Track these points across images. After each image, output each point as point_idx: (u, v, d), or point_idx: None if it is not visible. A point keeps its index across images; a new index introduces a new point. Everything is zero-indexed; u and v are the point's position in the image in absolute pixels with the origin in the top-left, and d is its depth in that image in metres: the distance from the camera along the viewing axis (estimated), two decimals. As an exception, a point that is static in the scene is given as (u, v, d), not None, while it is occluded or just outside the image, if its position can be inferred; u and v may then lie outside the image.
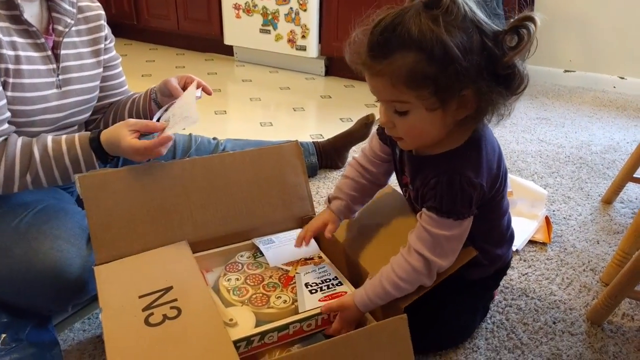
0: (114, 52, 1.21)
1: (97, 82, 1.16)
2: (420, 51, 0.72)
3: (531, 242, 1.39)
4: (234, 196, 1.05)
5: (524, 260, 1.32)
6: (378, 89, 0.80)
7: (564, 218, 1.52)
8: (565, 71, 2.77)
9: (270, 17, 2.77)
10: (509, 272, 1.24)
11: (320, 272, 1.00)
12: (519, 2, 2.35)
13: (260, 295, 0.94)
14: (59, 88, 1.05)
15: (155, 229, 0.97)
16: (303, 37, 2.71)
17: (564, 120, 2.28)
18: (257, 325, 0.87)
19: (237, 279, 0.98)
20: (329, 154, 1.74)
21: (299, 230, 1.09)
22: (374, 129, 1.03)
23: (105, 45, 1.17)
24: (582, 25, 2.65)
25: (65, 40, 1.06)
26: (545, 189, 1.64)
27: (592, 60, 2.70)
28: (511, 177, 1.58)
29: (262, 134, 2.11)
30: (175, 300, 0.82)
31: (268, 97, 2.55)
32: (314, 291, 0.95)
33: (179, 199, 1.00)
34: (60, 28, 1.05)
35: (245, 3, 2.81)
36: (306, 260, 1.03)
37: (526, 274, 1.27)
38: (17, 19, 0.96)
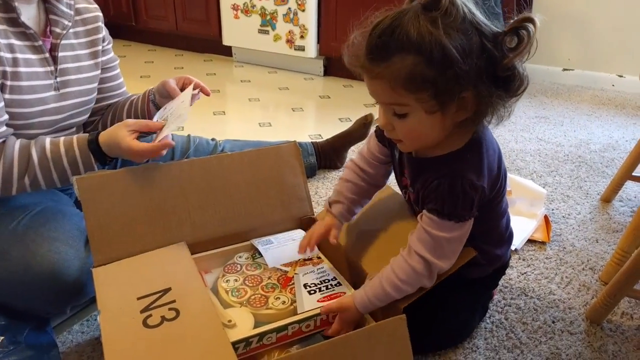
0: (111, 54, 1.21)
1: (95, 84, 1.16)
2: (419, 54, 0.72)
3: (530, 241, 1.39)
4: (232, 197, 1.05)
5: (523, 260, 1.32)
6: (377, 91, 0.79)
7: (563, 217, 1.52)
8: (564, 70, 2.77)
9: (268, 17, 2.77)
10: (508, 271, 1.24)
11: (319, 273, 1.00)
12: (518, 1, 2.35)
13: (259, 296, 0.94)
14: (57, 90, 1.05)
15: (154, 231, 0.97)
16: (301, 37, 2.71)
17: (562, 118, 2.28)
18: (255, 327, 0.87)
19: (236, 280, 0.98)
20: (327, 154, 1.74)
21: (297, 231, 1.10)
22: (372, 129, 1.02)
23: (103, 47, 1.17)
24: (580, 24, 2.65)
25: (63, 42, 1.05)
26: (544, 187, 1.64)
27: (590, 58, 2.70)
28: (510, 176, 1.57)
29: (261, 134, 2.11)
30: (174, 301, 0.82)
31: (267, 97, 2.55)
32: (312, 292, 0.95)
33: (177, 200, 1.00)
34: (57, 30, 1.05)
35: (244, 3, 2.81)
36: (305, 261, 1.03)
37: (525, 273, 1.27)
38: (14, 22, 0.96)
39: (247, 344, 0.83)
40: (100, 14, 1.16)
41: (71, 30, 1.08)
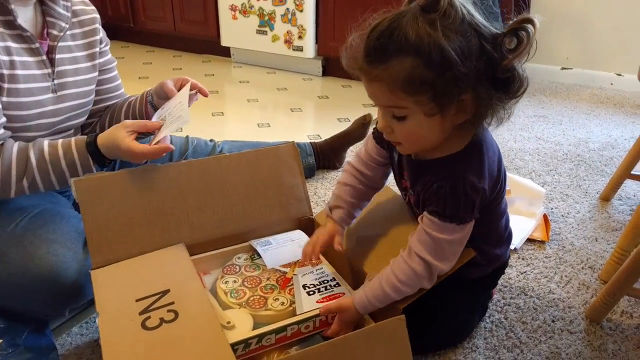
0: (109, 56, 1.21)
1: (93, 86, 1.15)
2: (418, 56, 0.71)
3: (529, 241, 1.39)
4: (230, 198, 1.05)
5: (523, 259, 1.32)
6: (375, 94, 0.78)
7: (562, 216, 1.51)
8: (563, 68, 2.77)
9: (266, 18, 2.77)
10: (508, 270, 1.24)
11: (318, 274, 1.00)
12: (516, 1, 2.34)
13: (258, 297, 0.94)
14: (55, 92, 1.05)
15: (152, 232, 0.97)
16: (300, 37, 2.71)
17: (561, 117, 2.28)
18: (254, 328, 0.87)
19: (235, 281, 0.97)
20: (326, 155, 1.74)
21: (296, 232, 1.10)
22: (370, 130, 1.02)
23: (100, 48, 1.16)
24: (579, 23, 2.65)
25: (60, 44, 1.05)
26: (543, 186, 1.64)
27: (589, 57, 2.70)
28: (509, 176, 1.57)
29: (260, 135, 2.10)
30: (172, 303, 0.82)
31: (265, 98, 2.55)
32: (311, 293, 0.95)
33: (176, 201, 1.00)
34: (54, 32, 1.04)
35: (242, 4, 2.80)
36: (304, 262, 1.03)
37: (525, 272, 1.27)
38: (11, 24, 0.96)
39: (246, 346, 0.83)
40: (97, 15, 1.16)
41: (68, 32, 1.08)
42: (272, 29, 2.78)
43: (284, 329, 0.87)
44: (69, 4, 1.08)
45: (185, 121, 0.98)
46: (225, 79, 2.85)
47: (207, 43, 3.13)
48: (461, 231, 0.85)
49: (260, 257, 1.02)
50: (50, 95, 1.04)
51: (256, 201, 1.07)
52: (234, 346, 0.81)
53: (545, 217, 1.47)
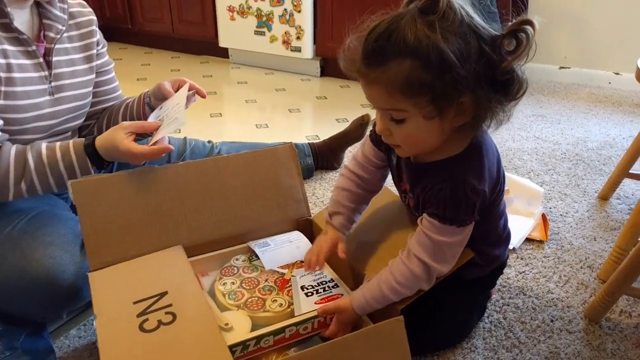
0: (106, 57, 1.21)
1: (90, 88, 1.15)
2: (416, 59, 0.70)
3: (528, 240, 1.39)
4: (228, 199, 1.05)
5: (521, 259, 1.32)
6: (374, 97, 0.78)
7: (561, 215, 1.51)
8: (561, 68, 2.77)
9: (264, 18, 2.77)
10: (506, 270, 1.24)
11: (316, 275, 0.99)
12: (514, 0, 2.34)
13: (256, 299, 0.94)
14: (52, 95, 1.05)
15: (150, 234, 0.96)
16: (298, 38, 2.71)
17: (559, 117, 2.28)
18: (253, 329, 0.87)
19: (233, 283, 0.97)
20: (324, 155, 1.74)
21: (294, 233, 1.09)
22: (368, 131, 1.01)
23: (97, 50, 1.16)
24: (576, 22, 2.65)
25: (57, 46, 1.05)
26: (541, 186, 1.64)
27: (587, 56, 2.70)
28: (507, 175, 1.57)
29: (258, 136, 2.10)
30: (170, 305, 0.82)
31: (264, 98, 2.55)
32: (310, 294, 0.95)
33: (173, 203, 1.00)
34: (51, 35, 1.04)
35: (240, 5, 2.80)
36: (302, 263, 1.03)
37: (523, 272, 1.27)
38: (7, 27, 0.96)
39: (245, 347, 0.83)
40: (94, 17, 1.16)
41: (65, 35, 1.08)
42: (270, 29, 2.78)
43: (282, 330, 0.86)
44: (65, 6, 1.08)
45: (182, 123, 0.98)
46: (223, 79, 2.85)
47: (205, 44, 3.13)
48: (461, 233, 0.85)
49: (259, 258, 1.02)
50: (48, 97, 1.04)
51: (254, 202, 1.07)
52: (232, 348, 0.80)
53: (543, 216, 1.47)
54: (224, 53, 3.10)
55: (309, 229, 1.12)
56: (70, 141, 0.99)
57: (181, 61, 3.14)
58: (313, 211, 1.33)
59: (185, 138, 1.41)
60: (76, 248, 0.96)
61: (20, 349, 0.94)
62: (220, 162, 1.07)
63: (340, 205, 1.00)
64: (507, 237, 1.03)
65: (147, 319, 0.79)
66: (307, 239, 1.08)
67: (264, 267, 1.01)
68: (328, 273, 1.00)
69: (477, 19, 0.74)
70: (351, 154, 1.78)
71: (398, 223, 1.04)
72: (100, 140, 0.98)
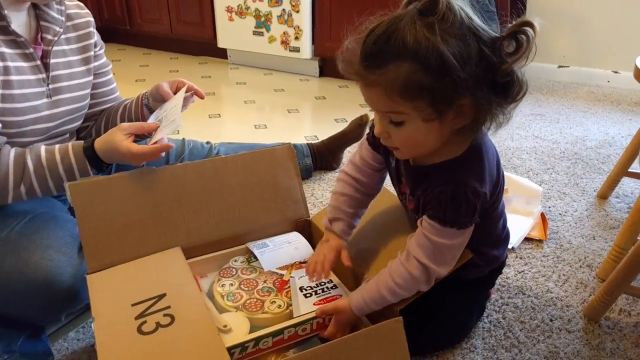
0: (104, 59, 1.21)
1: (88, 90, 1.15)
2: (416, 61, 0.69)
3: (527, 240, 1.39)
4: (227, 201, 1.05)
5: (520, 258, 1.32)
6: (372, 99, 0.77)
7: (560, 214, 1.51)
8: (559, 67, 2.77)
9: (263, 19, 2.77)
10: (505, 270, 1.24)
11: (315, 276, 0.99)
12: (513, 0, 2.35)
13: (255, 300, 0.94)
14: (50, 97, 1.04)
15: (148, 236, 0.96)
16: (296, 38, 2.71)
17: (558, 116, 2.28)
18: (251, 331, 0.87)
19: (232, 285, 0.97)
20: (323, 156, 1.74)
21: (293, 234, 1.09)
22: (366, 134, 1.00)
23: (95, 52, 1.16)
24: (575, 21, 2.65)
25: (55, 48, 1.05)
26: (540, 185, 1.64)
27: (585, 55, 2.69)
28: (506, 174, 1.57)
29: (257, 136, 2.10)
30: (169, 307, 0.82)
31: (262, 99, 2.55)
32: (308, 295, 0.95)
33: (172, 204, 1.00)
34: (49, 37, 1.04)
35: (238, 5, 2.80)
36: (301, 264, 1.03)
37: (522, 271, 1.27)
38: (4, 30, 0.96)
39: (243, 349, 0.83)
40: (91, 19, 1.16)
41: (63, 37, 1.07)
42: (268, 30, 2.78)
43: (281, 331, 0.86)
44: (63, 7, 1.07)
45: (178, 126, 0.98)
46: (222, 80, 2.85)
47: (204, 45, 3.13)
48: (461, 236, 0.85)
49: (257, 259, 1.02)
50: (45, 100, 1.03)
51: (252, 203, 1.07)
52: (230, 350, 0.80)
53: (542, 215, 1.47)
54: (222, 54, 3.10)
55: (308, 230, 1.12)
56: (69, 144, 0.99)
57: (180, 62, 3.14)
58: (312, 212, 1.33)
59: (183, 139, 1.41)
60: (74, 250, 0.96)
61: (19, 352, 0.94)
62: (219, 163, 1.07)
63: (339, 211, 0.99)
64: (506, 237, 1.03)
65: (145, 321, 0.79)
66: (305, 240, 1.08)
67: (262, 268, 1.01)
68: (327, 274, 1.00)
69: (477, 20, 0.73)
70: (350, 154, 1.79)
71: (398, 226, 1.03)
72: (99, 142, 0.98)
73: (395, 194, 1.03)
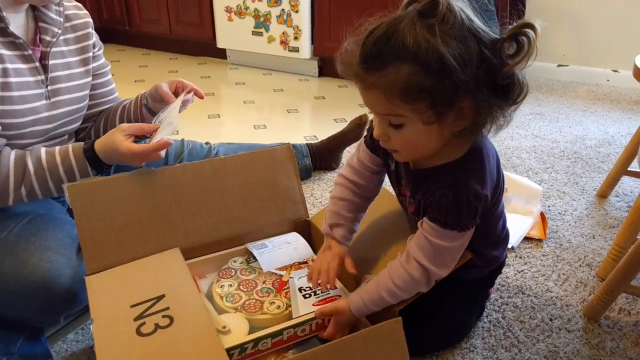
0: (102, 60, 1.21)
1: (87, 91, 1.15)
2: (416, 63, 0.69)
3: (527, 239, 1.39)
4: (226, 201, 1.05)
5: (520, 257, 1.32)
6: (372, 102, 0.76)
7: (559, 213, 1.51)
8: (559, 66, 2.77)
9: (262, 19, 2.77)
10: (505, 269, 1.24)
11: (314, 276, 0.99)
12: (511, -1, 2.34)
13: (254, 301, 0.93)
14: (48, 99, 1.04)
15: (147, 237, 0.96)
16: (295, 38, 2.70)
17: (558, 115, 2.28)
18: (250, 332, 0.87)
19: (231, 285, 0.97)
20: (322, 156, 1.74)
21: (292, 234, 1.09)
22: (363, 136, 1.00)
23: (93, 53, 1.16)
24: (574, 20, 2.65)
25: (53, 50, 1.05)
26: (540, 184, 1.64)
27: (585, 54, 2.69)
28: (506, 174, 1.57)
29: (256, 136, 2.10)
30: (167, 308, 0.82)
31: (262, 99, 2.54)
32: (307, 296, 0.94)
33: (170, 205, 1.00)
34: (47, 38, 1.04)
35: (237, 6, 2.80)
36: (300, 264, 1.03)
37: (522, 271, 1.27)
38: (2, 32, 0.95)
39: (242, 350, 0.83)
40: (90, 19, 1.16)
41: (61, 38, 1.07)
42: (267, 30, 2.78)
43: (280, 332, 0.86)
44: (61, 8, 1.07)
45: (175, 128, 0.98)
46: (221, 80, 2.85)
47: (203, 45, 3.13)
48: (462, 238, 0.84)
49: (256, 260, 1.02)
50: (44, 102, 1.03)
51: (252, 203, 1.07)
52: (229, 351, 0.80)
53: (542, 215, 1.47)
54: (221, 54, 3.10)
55: (307, 230, 1.12)
56: (70, 145, 0.99)
57: (179, 62, 3.14)
58: (311, 212, 1.33)
59: (182, 140, 1.41)
60: (73, 252, 0.96)
61: (17, 354, 0.94)
62: (217, 163, 1.06)
63: (339, 216, 0.98)
64: (505, 237, 1.02)
65: (144, 323, 0.79)
66: (305, 241, 1.08)
67: (261, 269, 1.00)
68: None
69: (478, 22, 0.72)
70: (349, 154, 1.78)
71: (397, 227, 1.03)
72: (99, 144, 0.98)
73: (395, 195, 1.03)
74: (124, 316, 0.80)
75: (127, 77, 2.81)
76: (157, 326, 0.78)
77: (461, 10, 0.70)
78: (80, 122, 1.16)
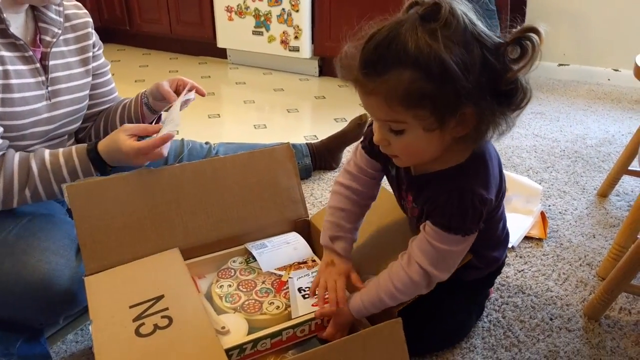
0: (102, 60, 1.21)
1: (87, 91, 1.15)
2: (417, 69, 0.67)
3: (527, 238, 1.38)
4: (225, 201, 1.05)
5: (520, 257, 1.31)
6: (372, 107, 0.74)
7: (560, 213, 1.51)
8: (559, 65, 2.76)
9: (262, 18, 2.77)
10: (505, 269, 1.24)
11: (313, 277, 0.99)
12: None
13: (253, 301, 0.93)
14: (49, 100, 1.04)
15: (146, 237, 0.96)
16: (296, 38, 2.70)
17: (558, 114, 2.28)
18: (250, 332, 0.87)
19: (230, 286, 0.97)
20: (322, 156, 1.73)
21: (292, 234, 1.09)
22: (360, 140, 0.98)
23: (93, 53, 1.16)
24: (575, 19, 2.64)
25: (53, 50, 1.05)
26: (540, 183, 1.63)
27: (586, 53, 2.69)
28: (506, 173, 1.56)
29: (257, 136, 2.10)
30: (167, 309, 0.82)
31: (262, 99, 2.54)
32: (307, 296, 0.94)
33: (170, 205, 0.99)
34: (47, 38, 1.04)
35: (238, 5, 2.80)
36: (299, 264, 1.03)
37: (522, 270, 1.26)
38: (3, 33, 0.95)
39: (241, 351, 0.83)
40: (89, 19, 1.16)
41: (61, 38, 1.07)
42: (268, 29, 2.78)
43: (279, 333, 0.86)
44: (61, 8, 1.07)
45: (177, 124, 0.98)
46: (221, 80, 2.85)
47: (203, 45, 3.13)
48: (465, 242, 0.83)
49: (256, 260, 1.02)
50: (45, 103, 1.03)
51: (251, 203, 1.07)
52: (228, 352, 0.80)
53: (542, 214, 1.46)
54: (222, 53, 3.10)
55: (307, 230, 1.12)
56: (73, 147, 1.00)
57: (179, 62, 3.14)
58: (311, 212, 1.33)
59: (182, 139, 1.41)
60: (72, 253, 0.96)
61: (17, 354, 0.94)
62: (217, 163, 1.06)
63: (340, 228, 0.95)
64: (505, 238, 1.02)
65: (143, 323, 0.79)
66: (304, 241, 1.08)
67: (261, 269, 1.00)
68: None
69: (481, 26, 0.70)
70: (349, 153, 1.78)
71: (397, 228, 1.03)
72: (102, 144, 0.98)
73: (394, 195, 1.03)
74: (123, 317, 0.80)
75: (127, 76, 2.81)
76: (156, 327, 0.78)
77: (464, 14, 0.69)
78: (81, 122, 1.16)
